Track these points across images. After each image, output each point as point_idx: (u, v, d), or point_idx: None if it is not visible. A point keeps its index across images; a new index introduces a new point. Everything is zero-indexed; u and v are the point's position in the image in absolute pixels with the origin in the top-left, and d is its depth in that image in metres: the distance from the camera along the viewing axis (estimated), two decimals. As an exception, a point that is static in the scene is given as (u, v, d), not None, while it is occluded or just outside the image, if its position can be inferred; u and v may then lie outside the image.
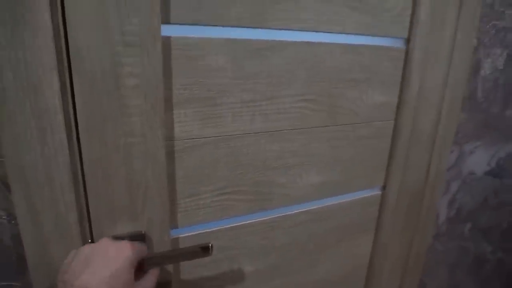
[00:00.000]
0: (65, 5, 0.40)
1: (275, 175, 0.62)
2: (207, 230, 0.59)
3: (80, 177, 0.46)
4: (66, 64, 0.42)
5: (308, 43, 0.57)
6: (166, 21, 0.47)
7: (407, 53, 0.68)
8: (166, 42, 0.47)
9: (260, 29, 0.53)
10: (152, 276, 0.47)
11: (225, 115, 0.54)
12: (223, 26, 0.50)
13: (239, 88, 0.54)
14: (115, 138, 0.46)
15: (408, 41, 0.68)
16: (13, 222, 0.47)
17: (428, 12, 0.66)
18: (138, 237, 0.51)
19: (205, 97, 0.52)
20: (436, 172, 0.84)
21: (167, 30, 0.47)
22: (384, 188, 0.79)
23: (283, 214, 0.66)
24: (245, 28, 0.52)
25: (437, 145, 0.81)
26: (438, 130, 0.79)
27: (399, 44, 0.67)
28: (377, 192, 0.79)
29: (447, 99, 0.77)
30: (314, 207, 0.70)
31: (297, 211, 0.68)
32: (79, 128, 0.44)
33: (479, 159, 0.99)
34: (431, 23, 0.68)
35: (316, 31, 0.57)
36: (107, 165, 0.47)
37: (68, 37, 0.41)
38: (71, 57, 0.42)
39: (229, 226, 0.61)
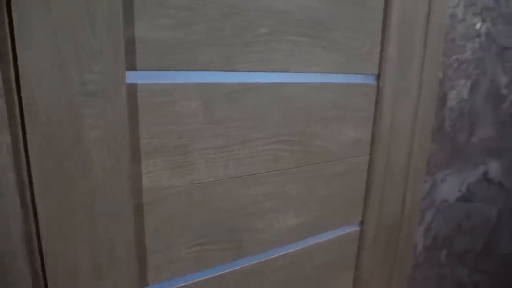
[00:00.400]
0: (18, 55, 0.36)
1: (251, 220, 0.59)
2: (181, 285, 0.55)
3: (35, 242, 0.42)
4: (19, 119, 0.38)
5: (279, 84, 0.56)
6: (132, 67, 0.44)
7: (378, 88, 0.69)
8: (132, 89, 0.45)
9: (230, 72, 0.51)
10: None
11: (197, 162, 0.51)
12: (192, 70, 0.48)
13: (210, 134, 0.51)
14: (75, 196, 0.42)
15: (378, 77, 0.68)
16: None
17: (396, 49, 0.68)
18: (103, 302, 0.46)
19: (175, 145, 0.49)
20: (411, 203, 0.84)
21: (132, 77, 0.45)
22: (362, 223, 0.77)
23: (261, 260, 0.63)
24: (216, 72, 0.50)
25: (411, 177, 0.81)
26: (411, 162, 0.79)
27: (370, 80, 0.68)
28: (355, 228, 0.77)
29: (418, 131, 0.77)
30: (293, 250, 0.67)
31: (275, 255, 0.65)
32: (34, 187, 0.40)
33: (451, 186, 1.00)
34: (399, 60, 0.69)
35: (287, 72, 0.56)
36: (66, 226, 0.42)
37: (21, 90, 0.37)
38: (24, 111, 0.38)
39: (205, 278, 0.57)
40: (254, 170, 0.57)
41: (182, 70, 0.47)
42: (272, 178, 0.60)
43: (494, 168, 1.12)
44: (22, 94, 0.37)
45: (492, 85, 0.99)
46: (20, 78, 0.37)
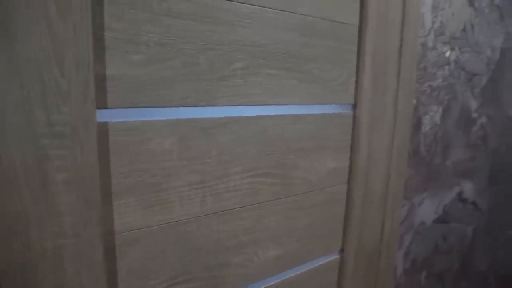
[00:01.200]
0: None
1: (230, 255, 0.58)
2: (156, 328, 0.52)
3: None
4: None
5: (256, 117, 0.56)
6: (102, 105, 0.43)
7: (354, 118, 0.69)
8: (103, 128, 0.43)
9: (207, 107, 0.50)
10: None
11: (172, 200, 0.49)
12: (167, 106, 0.47)
13: (186, 170, 0.50)
14: (41, 241, 0.40)
15: (355, 106, 0.69)
16: None
17: (370, 78, 0.69)
18: None
19: (149, 183, 0.47)
20: (390, 229, 0.84)
21: (103, 116, 0.43)
22: (342, 251, 0.77)
23: (240, 296, 0.61)
24: (191, 107, 0.49)
25: (389, 203, 0.81)
26: (389, 189, 0.80)
27: (346, 109, 0.68)
28: (335, 256, 0.76)
29: (394, 158, 0.78)
30: (273, 282, 0.65)
31: (256, 290, 0.63)
32: (-5, 236, 0.37)
33: (427, 209, 1.01)
34: (374, 88, 0.70)
35: (265, 105, 0.56)
36: (32, 273, 0.40)
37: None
38: (-15, 156, 0.35)
39: (181, 319, 0.54)
40: (232, 205, 0.56)
41: (156, 107, 0.46)
42: (251, 212, 0.58)
43: (467, 189, 1.15)
44: (-17, 139, 0.35)
45: (463, 110, 1.02)
46: (-20, 121, 0.34)
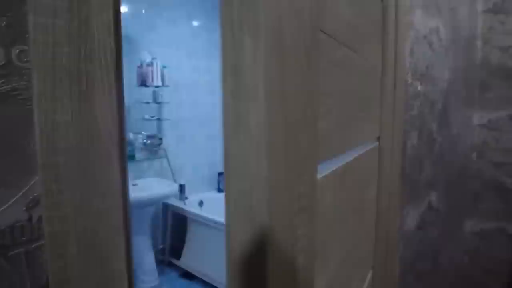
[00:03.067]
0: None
1: None
2: None
3: None
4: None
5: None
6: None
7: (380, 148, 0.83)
8: None
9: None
10: None
11: None
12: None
13: None
14: None
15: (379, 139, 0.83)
16: None
17: (386, 117, 0.83)
18: None
19: None
20: (392, 238, 0.98)
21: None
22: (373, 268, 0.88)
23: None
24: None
25: (391, 215, 0.96)
26: (396, 202, 0.94)
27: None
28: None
29: (398, 178, 0.93)
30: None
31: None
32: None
33: (412, 218, 1.18)
34: (387, 125, 0.85)
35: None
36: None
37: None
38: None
39: None
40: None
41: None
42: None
43: (434, 198, 1.36)
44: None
45: (428, 133, 1.23)
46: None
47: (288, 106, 0.37)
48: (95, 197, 0.33)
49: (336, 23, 0.51)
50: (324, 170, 0.50)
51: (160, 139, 2.68)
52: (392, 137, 0.88)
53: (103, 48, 0.32)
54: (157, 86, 2.59)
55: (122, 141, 0.34)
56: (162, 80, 2.63)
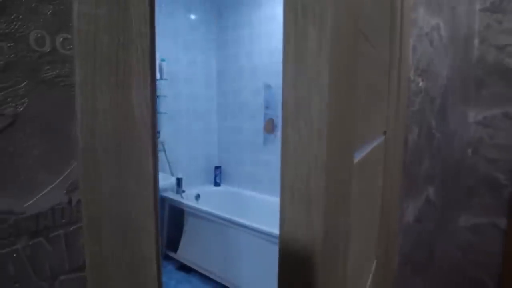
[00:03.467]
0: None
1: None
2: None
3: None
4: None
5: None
6: None
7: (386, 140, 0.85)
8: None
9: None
10: None
11: None
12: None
13: None
14: None
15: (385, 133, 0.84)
16: None
17: (392, 112, 0.85)
18: None
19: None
20: (393, 230, 1.01)
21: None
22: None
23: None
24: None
25: (392, 208, 0.98)
26: (398, 196, 0.97)
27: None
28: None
29: (399, 171, 0.96)
30: None
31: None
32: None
33: (411, 212, 1.21)
34: (391, 120, 0.86)
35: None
36: None
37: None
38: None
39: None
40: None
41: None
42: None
43: (431, 191, 1.38)
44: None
45: (428, 128, 1.25)
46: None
47: (340, 95, 0.39)
48: (129, 182, 0.34)
49: (364, 18, 0.52)
50: (356, 159, 0.52)
51: (158, 132, 2.68)
52: (396, 131, 0.90)
53: (139, 37, 0.33)
54: (155, 79, 2.59)
55: (154, 127, 0.35)
56: (160, 73, 2.63)
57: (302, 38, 0.36)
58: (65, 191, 0.31)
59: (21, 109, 0.27)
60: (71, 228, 0.32)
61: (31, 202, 0.28)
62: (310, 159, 0.37)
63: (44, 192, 0.30)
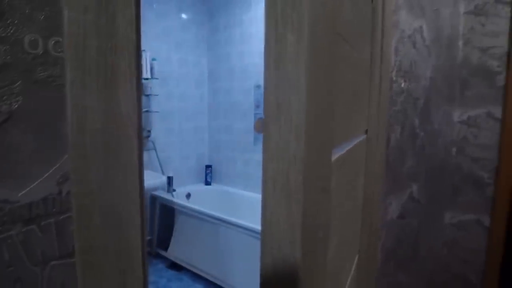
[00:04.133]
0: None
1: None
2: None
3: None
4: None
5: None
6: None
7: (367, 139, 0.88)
8: None
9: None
10: None
11: None
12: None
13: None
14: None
15: (366, 131, 0.88)
16: None
17: (373, 111, 0.88)
18: None
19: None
20: (375, 226, 1.04)
21: None
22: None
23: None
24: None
25: (374, 204, 1.02)
26: (378, 194, 1.00)
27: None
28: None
29: (381, 169, 0.99)
30: None
31: None
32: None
33: (394, 208, 1.25)
34: (373, 118, 0.90)
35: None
36: None
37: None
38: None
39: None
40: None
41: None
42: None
43: (415, 189, 1.43)
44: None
45: (411, 127, 1.29)
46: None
47: (318, 96, 0.42)
48: (116, 174, 0.37)
49: (343, 22, 0.56)
50: (334, 156, 0.55)
51: (149, 131, 2.69)
52: (377, 130, 0.94)
53: (126, 41, 0.35)
54: (146, 79, 2.61)
55: (140, 124, 0.38)
56: (151, 72, 2.64)
57: (282, 45, 0.39)
58: (56, 183, 0.34)
59: (16, 106, 0.30)
60: (61, 217, 0.34)
61: (24, 191, 0.31)
62: (290, 155, 0.40)
63: (36, 182, 0.32)
